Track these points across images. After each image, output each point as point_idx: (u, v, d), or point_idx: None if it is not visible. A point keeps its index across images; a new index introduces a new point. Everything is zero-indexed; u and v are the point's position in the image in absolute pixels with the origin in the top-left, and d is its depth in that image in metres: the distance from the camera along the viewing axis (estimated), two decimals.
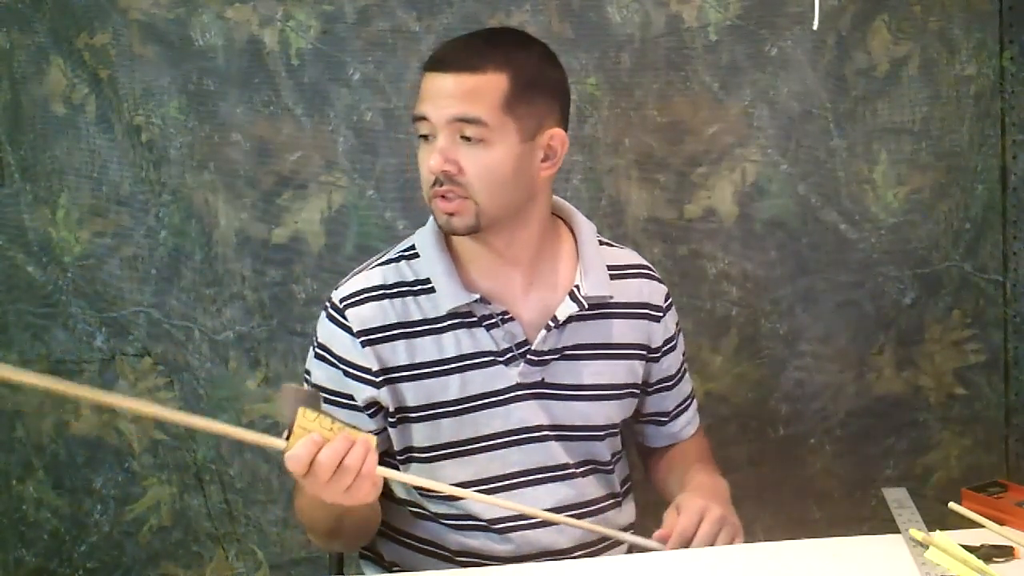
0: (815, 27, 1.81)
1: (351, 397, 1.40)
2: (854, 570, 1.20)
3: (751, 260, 1.99)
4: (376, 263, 1.44)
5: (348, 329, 1.38)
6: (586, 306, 1.39)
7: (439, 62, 1.34)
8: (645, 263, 1.54)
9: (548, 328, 1.38)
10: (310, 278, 1.96)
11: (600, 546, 1.46)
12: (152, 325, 1.97)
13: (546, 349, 1.39)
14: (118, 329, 1.97)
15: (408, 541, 1.46)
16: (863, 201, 1.99)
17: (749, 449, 2.02)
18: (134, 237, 1.95)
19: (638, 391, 1.50)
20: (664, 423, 1.56)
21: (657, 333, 1.49)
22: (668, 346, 1.51)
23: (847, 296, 2.01)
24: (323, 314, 1.42)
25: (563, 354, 1.41)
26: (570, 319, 1.40)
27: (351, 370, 1.39)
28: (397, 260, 1.42)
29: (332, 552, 1.60)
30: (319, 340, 1.42)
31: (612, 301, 1.44)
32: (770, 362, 2.01)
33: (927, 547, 1.20)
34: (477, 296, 1.36)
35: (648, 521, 1.98)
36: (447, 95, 1.31)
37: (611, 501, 1.49)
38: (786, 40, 1.94)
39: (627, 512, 1.53)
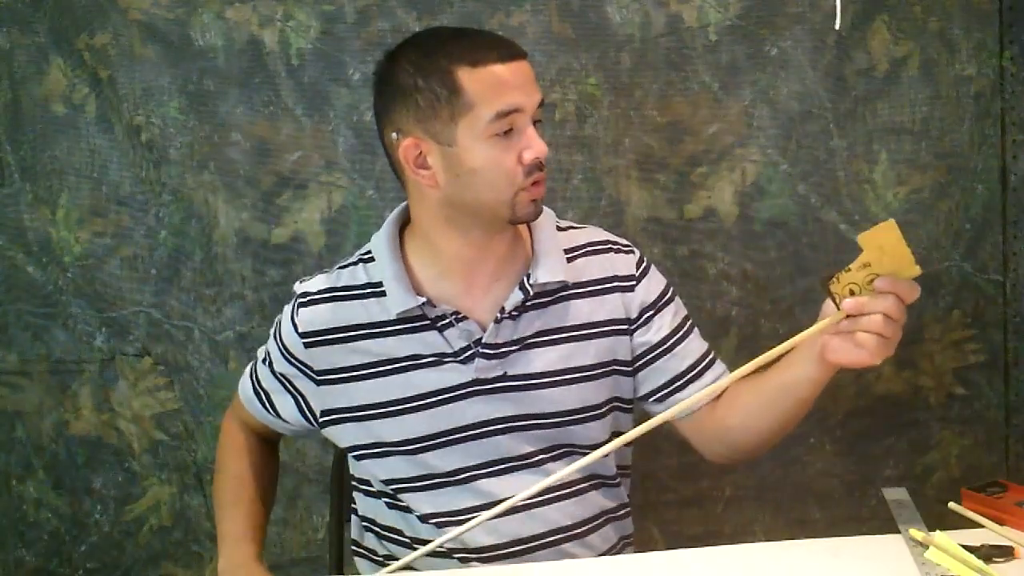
0: (837, 26, 1.81)
1: (288, 379, 1.48)
2: (854, 570, 1.20)
3: (751, 260, 1.99)
4: (337, 266, 1.47)
5: (295, 327, 1.43)
6: (531, 293, 1.38)
7: (508, 50, 1.32)
8: (609, 238, 1.49)
9: (497, 321, 1.37)
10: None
11: (581, 530, 1.44)
12: (152, 325, 1.97)
13: (500, 342, 1.38)
14: (118, 329, 1.97)
15: (390, 535, 1.47)
16: (863, 201, 1.99)
17: None
18: (134, 237, 1.96)
19: (627, 368, 1.45)
20: (685, 386, 1.45)
21: (633, 303, 1.45)
22: (652, 311, 1.45)
23: None
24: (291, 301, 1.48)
25: (524, 344, 1.39)
26: (526, 308, 1.39)
27: (296, 362, 1.45)
28: (355, 263, 1.45)
29: None
30: (279, 319, 1.49)
31: (572, 283, 1.42)
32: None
33: (927, 547, 1.20)
34: (424, 300, 1.37)
35: (648, 522, 1.99)
36: (532, 80, 1.33)
37: (594, 481, 1.45)
38: (786, 40, 1.94)
39: (617, 495, 1.49)
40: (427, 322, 1.38)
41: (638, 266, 1.47)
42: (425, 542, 1.37)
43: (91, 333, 1.97)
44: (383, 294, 1.39)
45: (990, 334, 2.04)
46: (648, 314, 1.45)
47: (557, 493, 1.41)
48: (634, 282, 1.46)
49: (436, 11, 1.91)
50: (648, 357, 1.46)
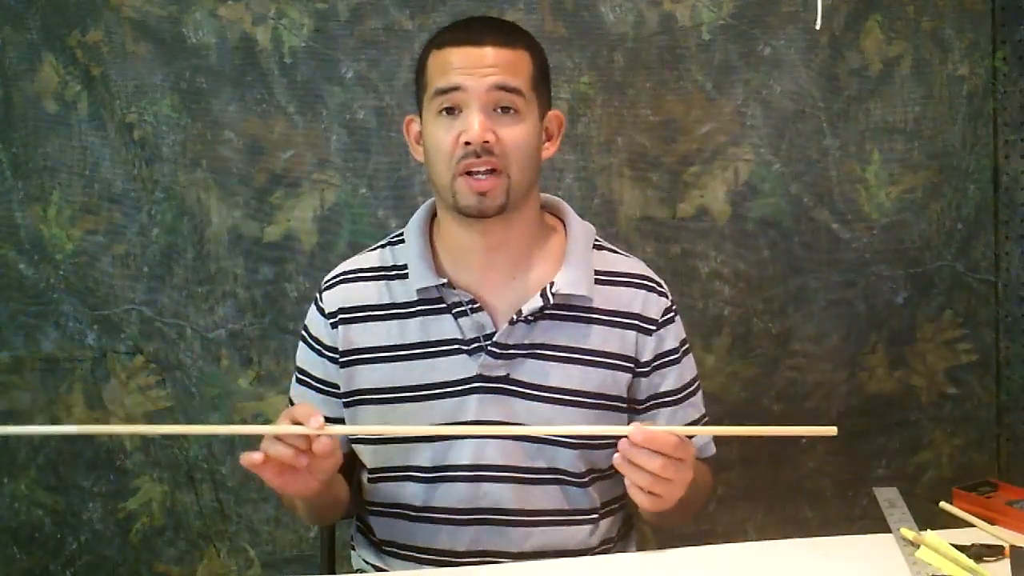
0: (817, 26, 1.81)
1: (320, 378, 1.44)
2: (846, 569, 1.20)
3: (744, 259, 1.99)
4: (367, 249, 1.48)
5: (322, 311, 1.43)
6: (551, 302, 1.37)
7: (472, 35, 1.34)
8: (649, 275, 1.46)
9: (512, 322, 1.37)
10: (302, 276, 1.96)
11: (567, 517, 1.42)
12: (144, 323, 1.96)
13: (510, 343, 1.37)
14: (109, 327, 1.97)
15: (378, 508, 1.45)
16: (856, 201, 2.00)
17: (742, 448, 2.02)
18: (126, 235, 1.95)
19: (623, 404, 1.42)
20: None
21: (647, 346, 1.41)
22: (661, 361, 1.43)
23: (839, 295, 2.02)
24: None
25: (533, 352, 1.38)
26: (544, 316, 1.38)
27: (322, 349, 1.43)
28: (384, 246, 1.46)
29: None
30: (305, 321, 1.47)
31: (594, 306, 1.40)
32: (762, 361, 2.02)
33: (918, 546, 1.20)
34: (444, 280, 1.37)
35: (641, 521, 1.99)
36: (488, 64, 1.33)
37: (576, 516, 1.42)
38: (779, 40, 1.94)
39: (601, 530, 1.45)
40: (443, 306, 1.39)
41: (664, 313, 1.44)
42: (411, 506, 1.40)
43: (83, 331, 1.97)
44: (406, 276, 1.40)
45: (981, 334, 2.05)
46: (661, 362, 1.43)
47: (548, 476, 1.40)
48: (654, 327, 1.42)
49: (429, 9, 1.91)
50: (647, 403, 1.44)
